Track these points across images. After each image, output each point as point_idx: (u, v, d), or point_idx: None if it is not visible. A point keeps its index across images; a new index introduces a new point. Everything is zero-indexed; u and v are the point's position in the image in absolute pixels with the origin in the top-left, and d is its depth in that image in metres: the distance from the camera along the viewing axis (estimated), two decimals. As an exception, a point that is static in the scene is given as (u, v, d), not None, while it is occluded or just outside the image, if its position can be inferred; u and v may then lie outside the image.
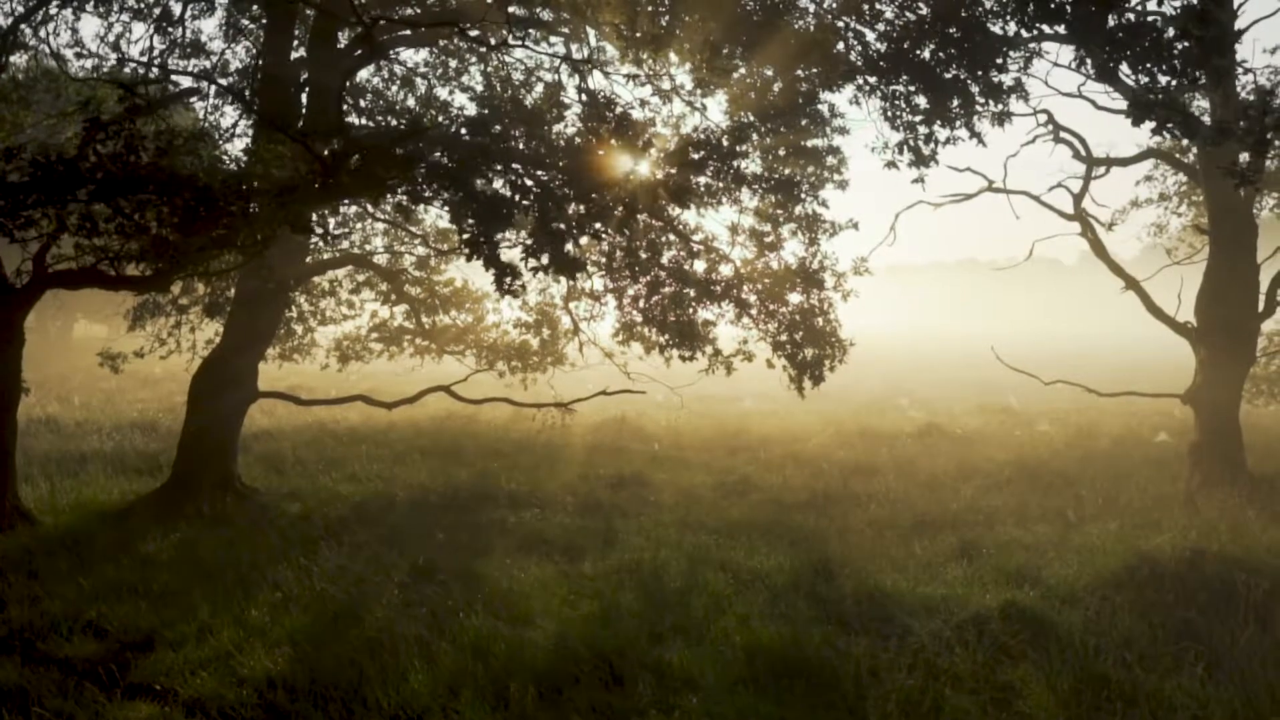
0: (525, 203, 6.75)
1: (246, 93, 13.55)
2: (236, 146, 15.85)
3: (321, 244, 14.40)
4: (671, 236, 12.43)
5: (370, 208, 12.93)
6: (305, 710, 5.81)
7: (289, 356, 17.51)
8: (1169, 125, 6.92)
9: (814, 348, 12.04)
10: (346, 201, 11.23)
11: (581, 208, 7.59)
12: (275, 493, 12.51)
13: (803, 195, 12.13)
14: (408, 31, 11.02)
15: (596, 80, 14.46)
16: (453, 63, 16.66)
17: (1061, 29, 7.08)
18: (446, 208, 7.12)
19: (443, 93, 16.75)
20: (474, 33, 9.81)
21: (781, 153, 13.35)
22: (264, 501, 11.81)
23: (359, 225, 16.74)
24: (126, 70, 12.76)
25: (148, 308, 14.98)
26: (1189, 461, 13.17)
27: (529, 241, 6.63)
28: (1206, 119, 14.28)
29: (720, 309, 12.79)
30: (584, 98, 13.86)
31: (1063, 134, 14.78)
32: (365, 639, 6.79)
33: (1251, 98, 15.22)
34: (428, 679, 6.08)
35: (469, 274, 17.91)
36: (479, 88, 15.90)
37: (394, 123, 14.79)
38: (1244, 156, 14.07)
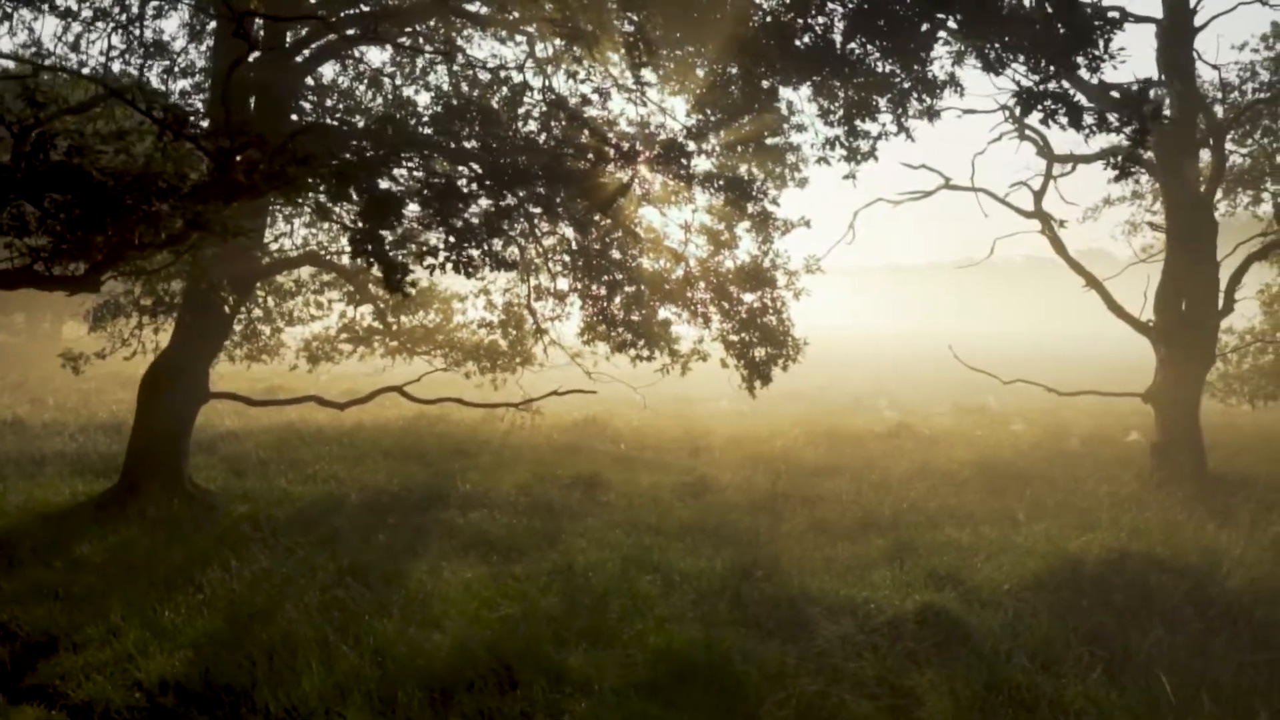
0: (422, 199, 6.68)
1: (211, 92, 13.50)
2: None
3: (279, 243, 14.36)
4: (624, 235, 12.39)
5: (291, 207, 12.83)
6: (191, 714, 5.75)
7: (256, 357, 17.47)
8: (1055, 114, 6.80)
9: (767, 347, 11.96)
10: (279, 202, 11.16)
11: (492, 204, 7.51)
12: (228, 494, 12.46)
13: (755, 193, 12.04)
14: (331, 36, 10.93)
15: (571, 81, 14.30)
16: (420, 62, 16.62)
17: (955, 20, 6.95)
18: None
19: (409, 91, 16.74)
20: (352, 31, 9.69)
21: (740, 150, 13.28)
22: (212, 503, 11.74)
23: (324, 225, 16.73)
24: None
25: (109, 308, 14.91)
26: (1150, 461, 13.06)
27: (438, 239, 6.59)
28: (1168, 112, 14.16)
29: (677, 309, 12.75)
30: (550, 96, 13.86)
31: (1027, 131, 14.68)
32: (270, 642, 6.72)
33: (1214, 92, 15.11)
34: (320, 682, 6.01)
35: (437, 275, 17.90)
36: (446, 87, 15.89)
37: (360, 122, 14.75)
38: (1207, 152, 13.95)
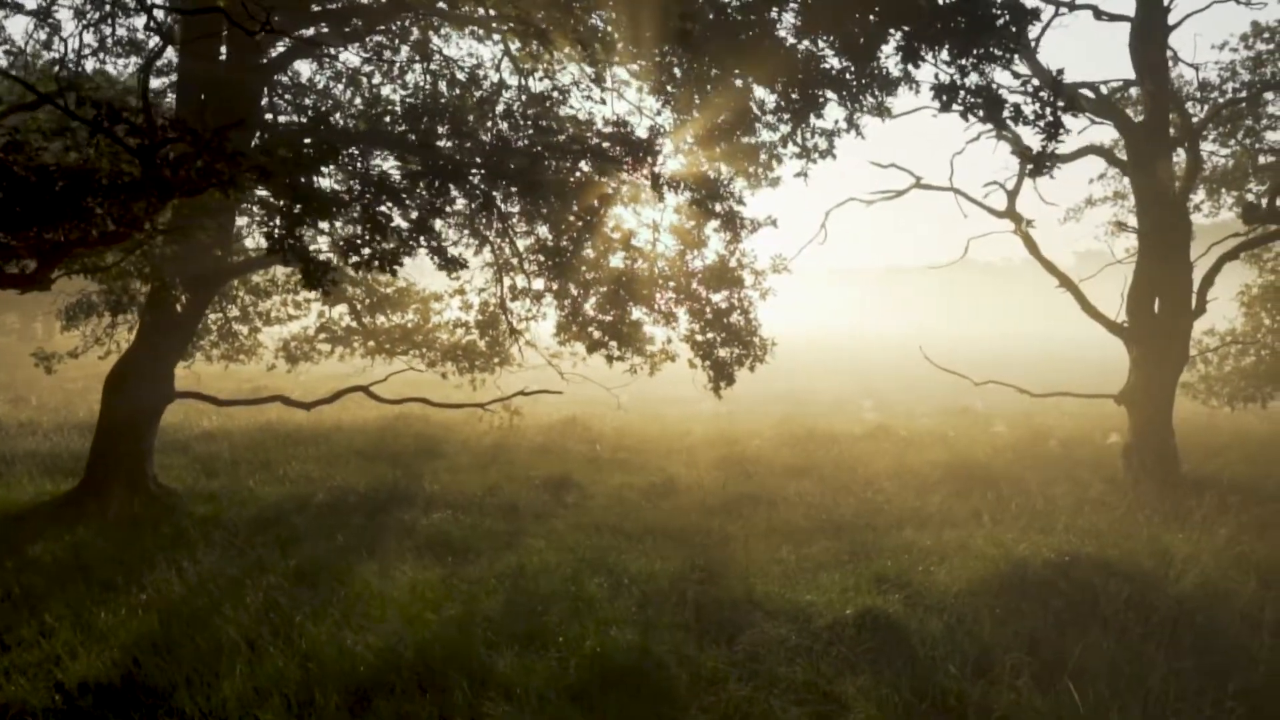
0: (353, 196, 6.61)
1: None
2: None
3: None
4: (591, 233, 12.32)
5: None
6: (106, 716, 5.68)
7: (233, 357, 17.43)
8: (974, 108, 6.70)
9: (733, 347, 11.87)
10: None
11: (428, 201, 7.42)
12: (194, 494, 12.40)
13: (721, 193, 11.97)
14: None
15: (531, 80, 14.23)
16: (396, 61, 16.56)
17: (875, 11, 6.85)
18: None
19: (387, 90, 16.70)
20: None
21: (712, 149, 13.20)
22: (175, 503, 11.69)
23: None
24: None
25: (81, 307, 14.88)
26: (1123, 463, 12.94)
27: (357, 236, 6.51)
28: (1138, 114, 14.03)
29: (647, 310, 12.68)
30: (524, 96, 13.80)
31: (1004, 131, 14.55)
32: (200, 644, 6.65)
33: (1194, 92, 14.95)
34: (241, 685, 5.93)
35: (415, 274, 17.92)
36: (426, 86, 15.85)
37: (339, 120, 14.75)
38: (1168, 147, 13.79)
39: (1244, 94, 14.51)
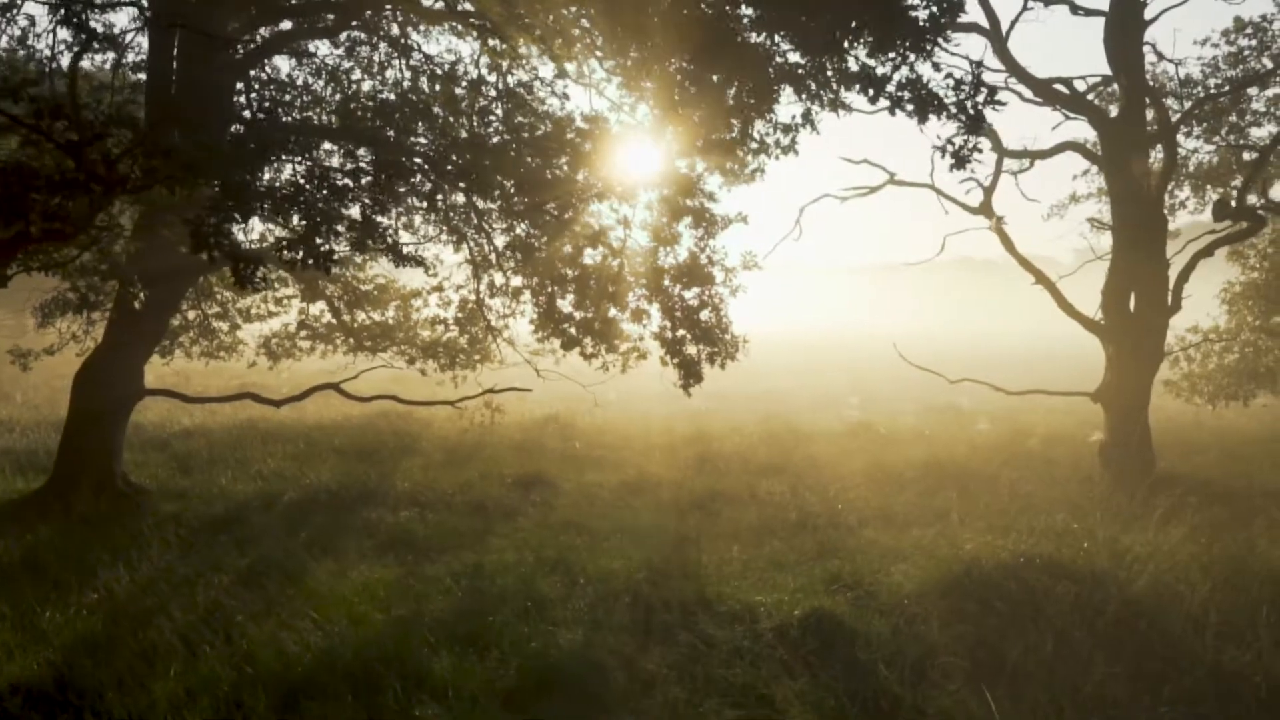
0: (293, 192, 6.54)
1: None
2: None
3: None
4: (563, 229, 12.26)
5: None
6: (31, 717, 5.63)
7: (214, 354, 17.39)
8: (900, 103, 6.60)
9: (703, 344, 11.80)
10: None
11: (374, 197, 7.35)
12: (165, 491, 12.37)
13: (694, 189, 11.90)
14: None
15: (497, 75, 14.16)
16: (377, 57, 16.50)
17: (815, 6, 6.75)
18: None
19: (367, 87, 16.64)
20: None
21: (695, 145, 13.12)
22: (144, 501, 11.65)
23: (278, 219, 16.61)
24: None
25: (57, 304, 14.84)
26: (1099, 461, 12.85)
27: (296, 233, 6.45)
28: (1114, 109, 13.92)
29: (619, 308, 12.62)
30: (493, 92, 13.76)
31: (983, 126, 14.42)
32: (139, 644, 6.60)
33: (1176, 88, 14.80)
34: (174, 686, 5.88)
35: (395, 271, 17.88)
36: (407, 82, 15.79)
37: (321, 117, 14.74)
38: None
39: (1226, 89, 14.37)
